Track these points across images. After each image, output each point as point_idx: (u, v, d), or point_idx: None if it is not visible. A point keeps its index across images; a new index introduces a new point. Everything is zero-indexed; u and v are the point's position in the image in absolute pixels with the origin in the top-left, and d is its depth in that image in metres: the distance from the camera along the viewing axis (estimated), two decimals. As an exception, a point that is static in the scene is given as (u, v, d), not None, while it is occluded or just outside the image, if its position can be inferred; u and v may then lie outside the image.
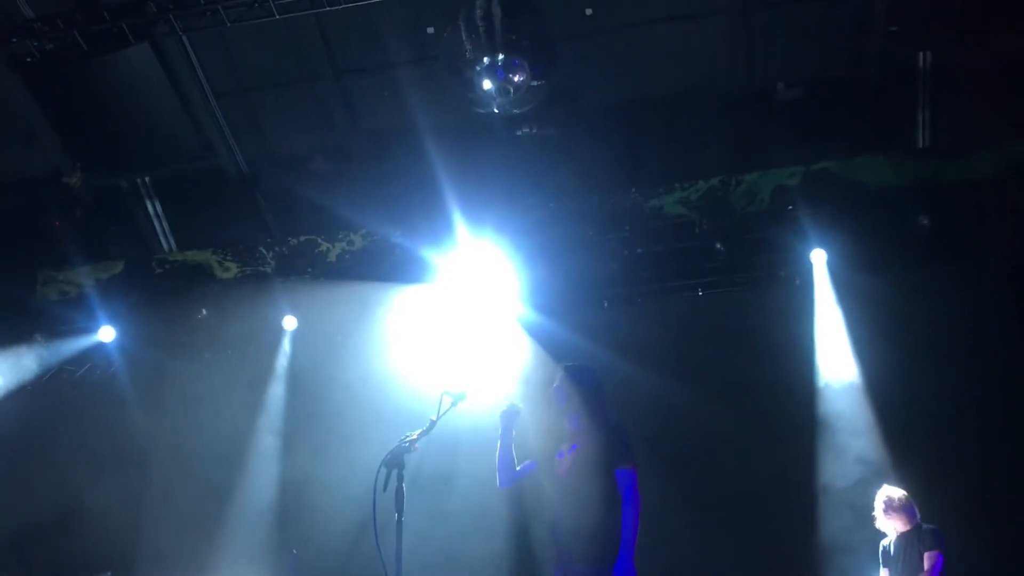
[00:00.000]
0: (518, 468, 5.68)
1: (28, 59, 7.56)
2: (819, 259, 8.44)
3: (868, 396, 8.24)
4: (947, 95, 7.91)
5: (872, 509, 6.97)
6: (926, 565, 6.49)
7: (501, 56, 6.82)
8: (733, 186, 8.26)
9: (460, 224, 8.17)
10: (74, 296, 9.40)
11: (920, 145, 8.15)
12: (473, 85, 7.04)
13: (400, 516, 4.40)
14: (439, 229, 8.33)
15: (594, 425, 5.53)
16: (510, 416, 5.61)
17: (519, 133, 7.84)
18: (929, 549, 6.54)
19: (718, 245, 8.44)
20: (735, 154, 8.36)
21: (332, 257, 9.01)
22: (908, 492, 6.92)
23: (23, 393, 9.48)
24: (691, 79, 8.16)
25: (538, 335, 8.92)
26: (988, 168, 7.85)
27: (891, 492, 6.91)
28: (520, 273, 8.62)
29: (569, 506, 5.39)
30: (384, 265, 8.79)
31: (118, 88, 7.71)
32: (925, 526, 6.70)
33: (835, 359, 8.43)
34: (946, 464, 7.70)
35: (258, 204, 9.02)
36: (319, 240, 8.98)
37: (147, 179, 9.17)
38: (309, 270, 9.05)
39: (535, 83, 7.05)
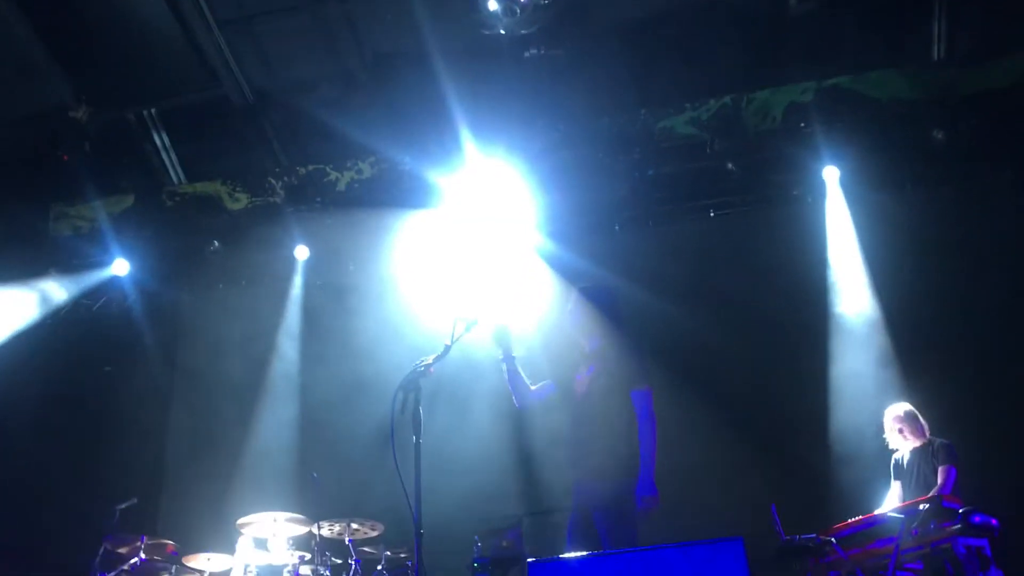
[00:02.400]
0: (534, 388, 5.70)
1: (27, -10, 7.49)
2: (832, 176, 8.36)
3: (881, 313, 8.24)
4: (962, 4, 7.73)
5: (883, 424, 7.04)
6: (939, 479, 6.56)
7: (507, -26, 6.69)
8: (745, 104, 8.14)
9: (470, 147, 8.11)
10: (87, 231, 9.44)
11: (935, 57, 7.99)
12: (479, 6, 6.93)
13: (417, 438, 4.47)
14: (448, 153, 8.27)
15: (611, 345, 5.55)
16: (502, 336, 5.55)
17: (527, 54, 7.72)
18: (943, 463, 6.60)
19: (729, 165, 8.36)
20: (747, 71, 8.21)
21: (341, 186, 8.97)
22: (920, 408, 6.97)
23: (42, 328, 9.58)
24: (701, -6, 8.00)
25: (550, 259, 8.92)
26: (1004, 78, 7.68)
27: (901, 407, 6.95)
28: (531, 197, 8.58)
29: (587, 427, 5.46)
30: (393, 192, 8.75)
31: (121, 19, 7.65)
32: (937, 440, 6.76)
33: (848, 277, 8.41)
34: (960, 380, 7.73)
35: (265, 133, 8.98)
36: (328, 169, 8.94)
37: (153, 111, 9.12)
38: (319, 199, 9.02)
39: (542, 2, 6.92)
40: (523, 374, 5.63)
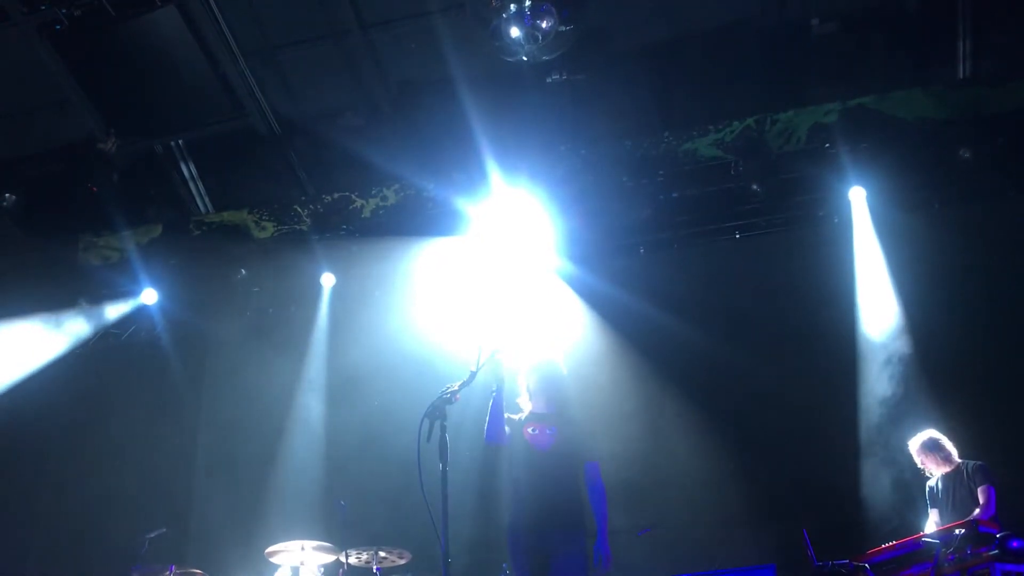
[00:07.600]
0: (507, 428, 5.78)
1: (57, 26, 7.60)
2: (858, 197, 8.32)
3: (909, 334, 8.16)
4: (988, 22, 7.67)
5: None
6: (981, 500, 6.50)
7: (528, 1, 6.72)
8: (769, 126, 8.13)
9: (493, 174, 8.13)
10: (115, 260, 9.53)
11: (960, 76, 7.93)
12: (501, 33, 6.96)
13: (444, 466, 4.47)
14: (472, 180, 8.30)
15: (565, 414, 5.78)
16: (498, 369, 5.53)
17: (549, 80, 7.74)
18: (981, 484, 6.53)
19: (754, 186, 8.34)
20: (770, 93, 8.18)
21: (366, 213, 9.03)
22: (951, 430, 6.88)
23: (71, 357, 9.67)
24: (723, 17, 7.98)
25: (574, 284, 8.91)
26: (1031, 96, 7.65)
27: (922, 437, 6.88)
28: (555, 222, 8.58)
29: (553, 481, 5.63)
30: (418, 219, 8.80)
31: (147, 52, 7.73)
32: (971, 463, 6.67)
33: (875, 298, 8.34)
34: (992, 400, 7.63)
35: (291, 162, 9.03)
36: (353, 196, 9.00)
37: (180, 141, 9.21)
38: (344, 227, 9.08)
39: (563, 28, 6.94)
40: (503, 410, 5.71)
